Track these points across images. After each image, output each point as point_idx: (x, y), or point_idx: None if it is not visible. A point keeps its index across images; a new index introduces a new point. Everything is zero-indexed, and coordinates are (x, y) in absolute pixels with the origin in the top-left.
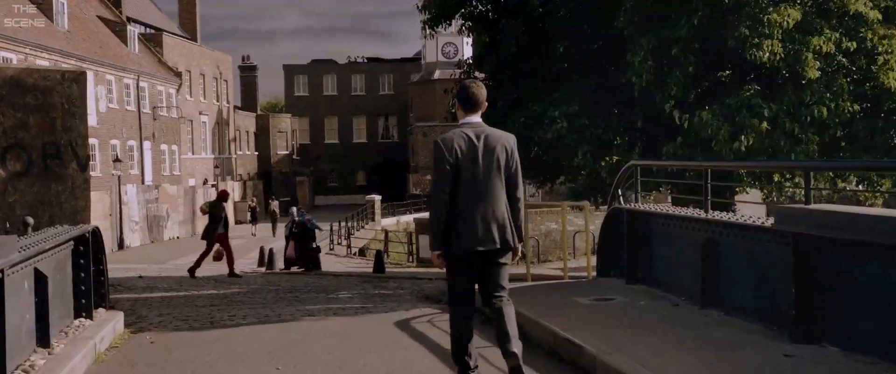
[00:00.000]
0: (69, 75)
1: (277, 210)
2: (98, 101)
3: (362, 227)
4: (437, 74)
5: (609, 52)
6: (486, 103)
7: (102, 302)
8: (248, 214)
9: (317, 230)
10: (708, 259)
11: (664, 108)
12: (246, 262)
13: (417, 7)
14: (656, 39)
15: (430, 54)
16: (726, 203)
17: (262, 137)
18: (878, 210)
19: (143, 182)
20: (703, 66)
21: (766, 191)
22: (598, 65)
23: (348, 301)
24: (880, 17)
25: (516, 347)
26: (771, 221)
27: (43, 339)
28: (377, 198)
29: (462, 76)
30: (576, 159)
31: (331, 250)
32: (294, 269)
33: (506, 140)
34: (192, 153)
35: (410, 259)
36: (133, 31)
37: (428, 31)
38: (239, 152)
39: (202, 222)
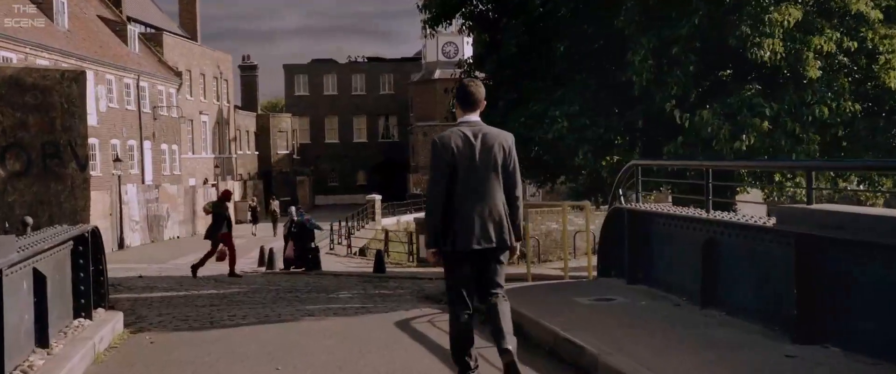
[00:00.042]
0: (69, 75)
1: (278, 210)
2: (98, 100)
3: (362, 227)
4: (437, 74)
5: (609, 51)
6: (485, 102)
7: (102, 302)
8: (249, 213)
9: (316, 230)
10: (709, 259)
11: (665, 107)
12: (246, 262)
13: (418, 6)
14: (657, 39)
15: (430, 54)
16: (727, 203)
17: (263, 136)
18: (881, 210)
19: (143, 182)
20: (704, 65)
21: (766, 191)
22: (599, 65)
23: (348, 301)
24: (881, 16)
25: (510, 344)
26: (772, 221)
27: (42, 339)
28: (377, 198)
29: (462, 76)
30: (576, 159)
31: (331, 249)
32: (292, 269)
33: (503, 139)
34: (193, 153)
35: (411, 259)
36: (133, 30)
37: (428, 31)
38: (239, 152)
39: (202, 221)
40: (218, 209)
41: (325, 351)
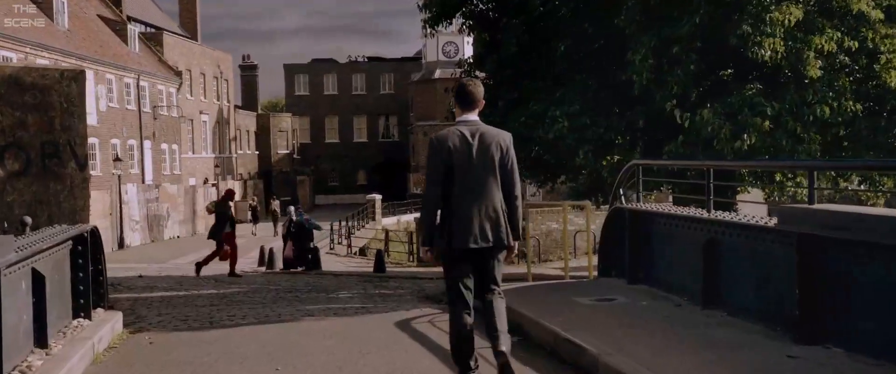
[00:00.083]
0: (68, 74)
1: (278, 209)
2: (98, 100)
3: (363, 226)
4: (437, 74)
5: (610, 51)
6: (484, 102)
7: (101, 302)
8: (249, 213)
9: (315, 230)
10: (710, 259)
11: (665, 107)
12: (246, 261)
13: (418, 6)
14: (657, 38)
15: (430, 54)
16: (728, 203)
17: (263, 136)
18: (883, 210)
19: (143, 181)
20: (705, 64)
21: (767, 191)
22: (599, 64)
23: (348, 301)
24: (882, 16)
25: (505, 344)
26: (774, 221)
27: (40, 339)
28: (378, 197)
29: (463, 75)
30: (577, 159)
31: (331, 249)
32: (294, 269)
33: (501, 138)
34: (193, 152)
35: (411, 259)
36: (133, 30)
37: (428, 30)
38: (239, 152)
39: (203, 221)
40: (221, 209)
41: (324, 351)
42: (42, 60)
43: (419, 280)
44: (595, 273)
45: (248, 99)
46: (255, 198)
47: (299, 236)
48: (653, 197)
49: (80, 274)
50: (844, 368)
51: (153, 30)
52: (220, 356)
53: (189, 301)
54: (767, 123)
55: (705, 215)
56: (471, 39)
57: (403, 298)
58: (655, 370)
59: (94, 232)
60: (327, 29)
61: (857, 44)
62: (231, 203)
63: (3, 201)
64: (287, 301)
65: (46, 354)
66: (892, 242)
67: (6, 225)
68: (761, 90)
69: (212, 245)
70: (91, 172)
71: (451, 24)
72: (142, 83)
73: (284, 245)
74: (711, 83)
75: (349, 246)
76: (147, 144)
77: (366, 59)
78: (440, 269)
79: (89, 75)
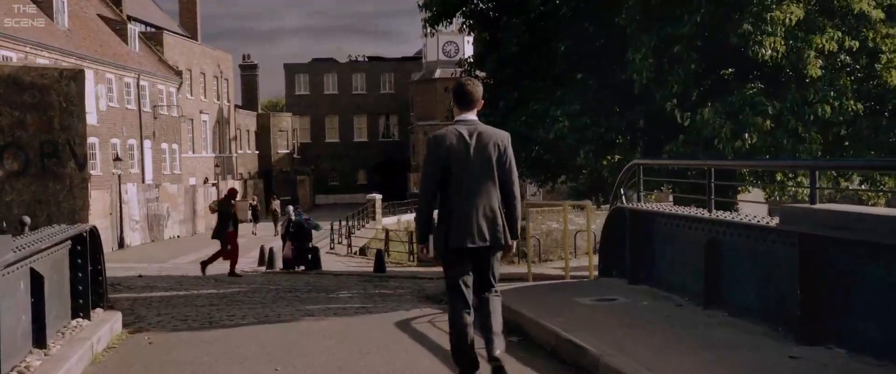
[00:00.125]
0: (67, 73)
1: (279, 209)
2: (98, 99)
3: (363, 226)
4: (437, 73)
5: (610, 51)
6: (483, 102)
7: (100, 302)
8: (249, 213)
9: (314, 230)
10: (711, 259)
11: (666, 107)
12: (246, 261)
13: (418, 5)
14: (657, 37)
15: (430, 53)
16: (728, 202)
17: (263, 135)
18: (885, 210)
19: (143, 181)
20: (705, 64)
21: (768, 190)
22: (600, 64)
23: (348, 301)
24: (883, 16)
25: (499, 348)
26: (775, 220)
27: (39, 340)
28: (378, 197)
29: (463, 75)
30: (577, 159)
31: (331, 249)
32: (294, 269)
33: (499, 138)
34: (193, 152)
35: (411, 258)
36: (133, 29)
37: (429, 30)
38: (239, 151)
39: (203, 220)
40: (224, 208)
41: (324, 352)
42: (42, 60)
43: (419, 280)
44: (596, 273)
45: (249, 99)
46: (256, 198)
47: (298, 236)
48: (653, 197)
49: (79, 274)
50: (846, 368)
51: (153, 29)
52: (219, 356)
53: (189, 301)
54: (768, 122)
55: (706, 214)
56: (471, 39)
57: (403, 298)
58: (656, 371)
59: (94, 232)
60: (327, 29)
61: (857, 43)
62: (234, 202)
63: (2, 201)
64: (287, 301)
65: (45, 354)
66: (894, 242)
67: (4, 225)
68: (762, 89)
69: (216, 244)
70: (91, 172)
71: (451, 23)
72: (142, 83)
73: (283, 245)
74: (712, 82)
75: (349, 246)
76: (147, 143)
77: (366, 59)
78: (440, 269)
79: (89, 75)
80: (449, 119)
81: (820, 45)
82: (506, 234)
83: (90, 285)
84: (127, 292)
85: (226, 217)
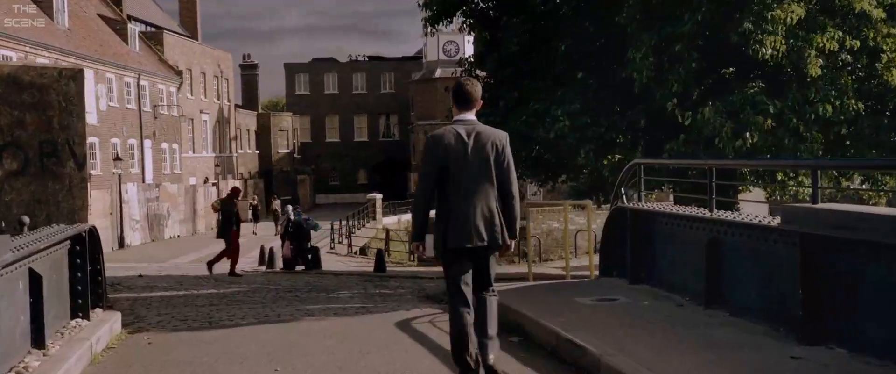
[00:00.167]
0: (66, 73)
1: (280, 209)
2: (98, 99)
3: (363, 226)
4: (438, 73)
5: (611, 50)
6: (481, 102)
7: (100, 302)
8: (250, 212)
9: (313, 230)
10: (712, 259)
11: (667, 106)
12: (246, 261)
13: (418, 5)
14: (658, 36)
15: (431, 53)
16: (729, 202)
17: (263, 135)
18: (887, 209)
19: (143, 181)
20: (706, 63)
21: (769, 190)
22: (600, 64)
23: (349, 301)
24: (884, 15)
25: (493, 352)
26: (777, 220)
27: (38, 340)
28: (378, 197)
29: (463, 74)
30: (578, 158)
31: (332, 248)
32: (295, 268)
33: (497, 137)
34: (193, 152)
35: (411, 258)
36: (134, 29)
37: (429, 29)
38: (240, 151)
39: (203, 220)
40: (227, 207)
41: (324, 352)
42: (42, 60)
43: (420, 280)
44: (596, 273)
45: (249, 98)
46: (256, 197)
47: (297, 236)
48: (653, 196)
49: (79, 274)
50: (848, 369)
51: (153, 29)
52: (219, 357)
53: (189, 301)
54: (769, 121)
55: (707, 214)
56: (471, 38)
57: (404, 297)
58: (657, 371)
59: (93, 232)
60: (328, 28)
61: (858, 43)
62: (237, 201)
63: (1, 201)
64: (287, 301)
65: (44, 355)
66: None
67: (3, 225)
68: (763, 88)
69: (217, 244)
70: (91, 172)
71: (451, 22)
72: (142, 82)
73: (282, 244)
74: (713, 81)
75: (350, 245)
76: (147, 143)
77: (366, 59)
78: (441, 268)
79: (89, 74)
80: (449, 119)
81: (821, 45)
82: (504, 233)
83: (89, 285)
84: (127, 291)
85: (229, 216)
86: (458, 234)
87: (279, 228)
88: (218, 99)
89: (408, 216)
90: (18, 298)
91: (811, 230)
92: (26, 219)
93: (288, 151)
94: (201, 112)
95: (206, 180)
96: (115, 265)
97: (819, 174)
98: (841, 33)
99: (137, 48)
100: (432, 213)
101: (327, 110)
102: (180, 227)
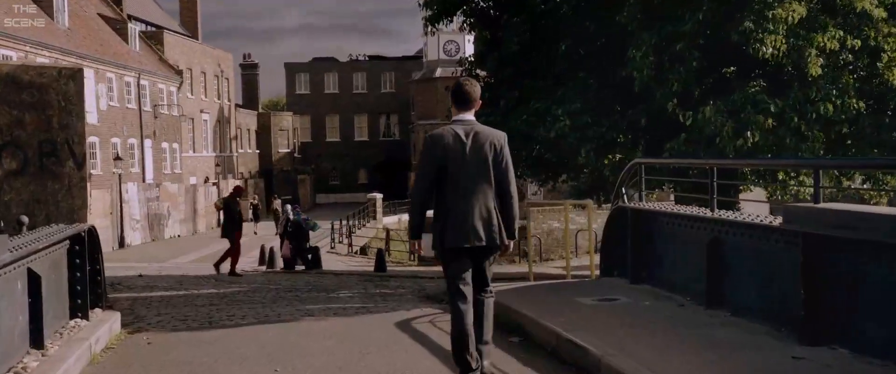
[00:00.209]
0: (66, 72)
1: (280, 208)
2: (98, 99)
3: (364, 225)
4: (438, 72)
5: (611, 50)
6: (480, 102)
7: (99, 302)
8: (250, 212)
9: (311, 230)
10: (714, 259)
11: (667, 105)
12: (246, 261)
13: (419, 4)
14: (659, 35)
15: (431, 52)
16: (730, 202)
17: (264, 135)
18: (889, 209)
19: (143, 180)
20: (707, 62)
21: (770, 189)
22: (600, 63)
23: (349, 301)
24: (885, 15)
25: (488, 356)
26: (779, 220)
27: (36, 340)
28: (379, 196)
29: (464, 74)
30: (579, 158)
31: (332, 248)
32: (295, 268)
33: (495, 138)
34: (194, 151)
35: (412, 258)
36: (134, 28)
37: (429, 29)
38: (240, 151)
39: (204, 219)
40: (229, 205)
41: (324, 352)
42: (42, 59)
43: (420, 280)
44: (597, 273)
45: (249, 98)
46: (256, 197)
47: (296, 235)
48: (654, 196)
49: (78, 274)
50: (850, 369)
51: (154, 28)
52: (219, 357)
53: (189, 301)
54: (770, 120)
55: (709, 214)
56: (472, 38)
57: (404, 297)
58: (658, 371)
59: (92, 231)
60: (328, 28)
61: (859, 42)
62: (240, 200)
63: (0, 201)
64: (287, 301)
65: (42, 355)
66: None
67: (2, 224)
68: (764, 87)
69: (217, 243)
70: (91, 172)
71: (451, 22)
72: (142, 82)
73: (281, 244)
74: (714, 81)
75: (350, 245)
76: (147, 143)
77: (367, 58)
78: (441, 268)
79: (89, 74)
80: (450, 118)
81: (821, 44)
82: (502, 234)
83: (89, 285)
84: (127, 291)
85: (233, 215)
86: (456, 234)
87: (279, 227)
88: (218, 98)
89: (408, 216)
90: (17, 298)
91: (813, 230)
92: (25, 219)
93: (288, 150)
94: (202, 112)
95: (206, 180)
96: (115, 265)
97: (820, 174)
98: (842, 33)
99: (138, 48)
100: (430, 212)
101: (328, 110)
102: (180, 226)
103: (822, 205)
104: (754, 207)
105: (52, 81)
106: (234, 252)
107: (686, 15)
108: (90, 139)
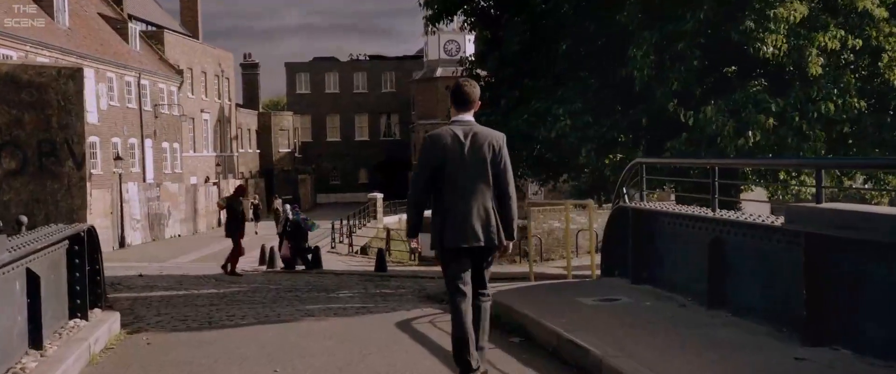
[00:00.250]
0: (65, 72)
1: (281, 208)
2: (99, 98)
3: (364, 225)
4: (439, 72)
5: (612, 50)
6: (480, 103)
7: (98, 302)
8: (251, 212)
9: (310, 230)
10: (715, 259)
11: (667, 105)
12: (246, 260)
13: (419, 3)
14: (659, 34)
15: (432, 52)
16: (732, 201)
17: (264, 134)
18: (891, 209)
19: (144, 180)
20: (708, 61)
21: (771, 189)
22: (601, 63)
23: (349, 301)
24: (886, 14)
25: (482, 362)
26: (780, 220)
27: (35, 341)
28: (379, 196)
29: (464, 74)
30: (579, 157)
31: (332, 248)
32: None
33: (494, 138)
34: (194, 151)
35: (412, 258)
36: (134, 28)
37: (430, 28)
38: (241, 150)
39: (204, 219)
40: (232, 205)
41: (324, 352)
42: (42, 59)
43: (420, 280)
44: (598, 273)
45: (250, 97)
46: (257, 197)
47: (295, 235)
48: (654, 196)
49: (77, 274)
50: (852, 369)
51: (154, 28)
52: (218, 357)
53: (188, 301)
54: (772, 120)
55: (710, 213)
56: (472, 37)
57: (404, 297)
58: (659, 372)
59: (91, 231)
60: (328, 28)
61: (861, 42)
62: (243, 200)
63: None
64: (287, 301)
65: (41, 355)
66: None
67: (1, 224)
68: (765, 87)
69: (219, 243)
70: (91, 171)
71: (452, 21)
72: (143, 82)
73: (280, 244)
74: (715, 80)
75: (350, 245)
76: (148, 142)
77: (367, 58)
78: (441, 268)
79: (90, 74)
80: (450, 118)
81: (822, 43)
82: (500, 234)
83: (88, 285)
84: (126, 291)
85: (235, 214)
86: (454, 234)
87: (278, 227)
88: (219, 98)
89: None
90: (16, 298)
91: (815, 230)
92: (24, 219)
93: (289, 150)
94: (202, 111)
95: (206, 180)
96: (115, 265)
97: (822, 173)
98: (843, 32)
99: (138, 47)
100: (428, 212)
101: (328, 110)
102: (181, 226)
103: (823, 205)
104: (755, 207)
105: (52, 81)
106: (240, 250)
107: (687, 14)
108: (90, 139)
